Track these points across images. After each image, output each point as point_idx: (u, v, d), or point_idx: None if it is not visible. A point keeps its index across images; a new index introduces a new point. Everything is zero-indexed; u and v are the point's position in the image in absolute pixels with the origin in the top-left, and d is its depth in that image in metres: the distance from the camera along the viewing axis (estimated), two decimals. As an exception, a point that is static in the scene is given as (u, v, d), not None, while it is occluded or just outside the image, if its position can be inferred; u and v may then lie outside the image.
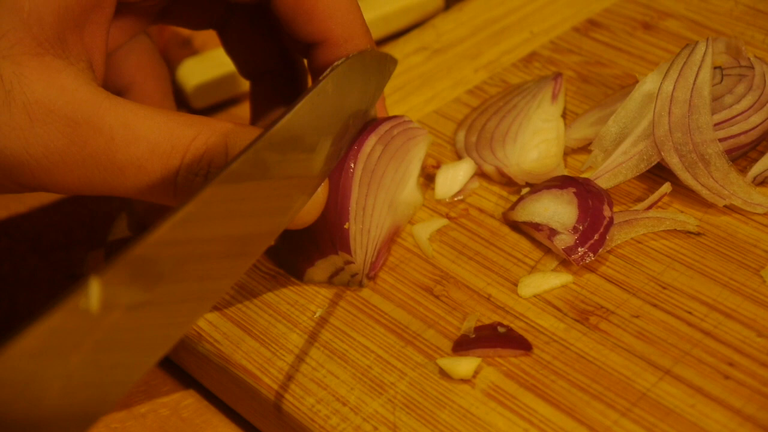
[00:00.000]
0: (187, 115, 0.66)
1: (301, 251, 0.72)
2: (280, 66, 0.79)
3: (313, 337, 0.70)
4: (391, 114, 0.77)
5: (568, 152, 0.82)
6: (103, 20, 0.69)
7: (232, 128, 0.66)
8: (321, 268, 0.73)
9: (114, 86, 0.78)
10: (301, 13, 0.72)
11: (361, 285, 0.73)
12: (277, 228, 0.64)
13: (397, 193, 0.76)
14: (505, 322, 0.69)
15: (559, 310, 0.70)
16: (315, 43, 0.73)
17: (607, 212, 0.73)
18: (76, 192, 0.65)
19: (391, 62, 0.76)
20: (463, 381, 0.66)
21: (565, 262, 0.73)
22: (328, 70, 0.69)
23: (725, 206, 0.75)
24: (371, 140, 0.72)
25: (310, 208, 0.68)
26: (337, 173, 0.71)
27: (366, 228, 0.72)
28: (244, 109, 0.83)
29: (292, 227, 0.68)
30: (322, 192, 0.68)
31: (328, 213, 0.70)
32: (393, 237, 0.76)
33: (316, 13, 0.72)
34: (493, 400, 0.65)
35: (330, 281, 0.74)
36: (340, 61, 0.69)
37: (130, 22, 0.75)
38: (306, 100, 0.64)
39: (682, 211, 0.75)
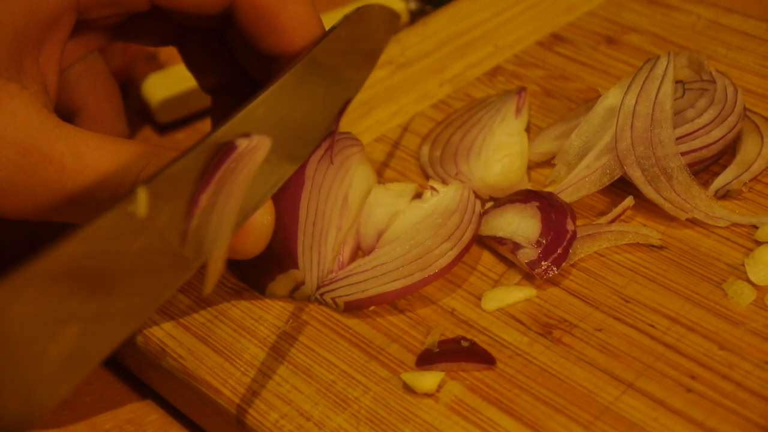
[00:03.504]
0: (138, 143, 0.66)
1: (262, 265, 0.72)
2: (241, 81, 0.79)
3: (277, 353, 0.70)
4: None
5: (532, 166, 0.83)
6: (59, 39, 0.69)
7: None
8: (281, 283, 0.72)
9: (66, 107, 0.78)
10: (263, 25, 0.72)
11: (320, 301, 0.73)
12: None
13: (349, 209, 0.76)
14: (469, 336, 0.69)
15: (522, 323, 0.70)
16: (278, 55, 0.73)
17: (570, 226, 0.73)
18: (24, 218, 0.65)
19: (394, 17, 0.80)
20: (427, 395, 0.66)
21: (528, 275, 0.73)
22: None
23: (687, 219, 0.75)
24: (312, 163, 0.73)
25: (257, 238, 0.68)
26: (285, 196, 0.71)
27: (315, 245, 0.72)
28: (209, 124, 0.83)
29: (239, 257, 0.69)
30: (268, 221, 0.68)
31: (284, 230, 0.70)
32: (355, 251, 0.76)
33: (279, 25, 0.72)
34: (456, 414, 0.65)
35: (291, 296, 0.74)
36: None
37: (85, 39, 0.74)
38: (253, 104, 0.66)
39: (644, 225, 0.76)
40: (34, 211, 0.65)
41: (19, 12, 0.65)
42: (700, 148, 0.77)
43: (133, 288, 0.56)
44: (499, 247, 0.75)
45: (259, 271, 0.73)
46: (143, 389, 0.75)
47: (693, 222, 0.75)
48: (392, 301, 0.72)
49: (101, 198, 0.64)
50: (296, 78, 0.69)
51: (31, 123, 0.63)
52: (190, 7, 0.72)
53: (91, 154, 0.64)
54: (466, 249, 0.73)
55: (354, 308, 0.72)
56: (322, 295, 0.72)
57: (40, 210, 0.65)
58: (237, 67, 0.79)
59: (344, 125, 0.85)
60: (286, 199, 0.71)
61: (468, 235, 0.73)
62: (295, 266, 0.71)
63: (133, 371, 0.75)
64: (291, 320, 0.72)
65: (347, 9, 1.08)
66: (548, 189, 0.79)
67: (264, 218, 0.68)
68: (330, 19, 0.76)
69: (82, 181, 0.64)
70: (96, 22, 0.72)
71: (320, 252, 0.73)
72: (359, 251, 0.77)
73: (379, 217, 0.76)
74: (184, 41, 0.79)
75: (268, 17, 0.72)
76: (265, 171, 0.66)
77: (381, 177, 0.83)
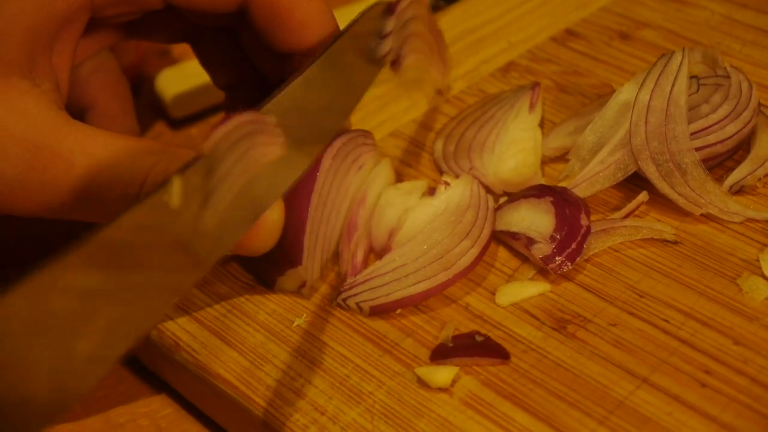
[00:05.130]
0: (148, 142, 0.66)
1: (272, 260, 0.72)
2: (255, 77, 0.79)
3: (291, 347, 0.70)
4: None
5: (546, 161, 0.83)
6: (72, 37, 0.69)
7: (192, 156, 0.66)
8: (291, 278, 0.72)
9: (77, 105, 0.78)
10: (278, 22, 0.72)
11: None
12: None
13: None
14: (483, 331, 0.69)
15: (536, 318, 0.70)
16: (292, 52, 0.73)
17: (584, 221, 0.73)
18: (33, 215, 0.65)
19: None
20: (441, 390, 0.66)
21: (542, 270, 0.73)
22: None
23: (702, 215, 0.75)
24: (326, 160, 0.73)
25: (266, 235, 0.68)
26: (297, 192, 0.71)
27: (320, 243, 0.73)
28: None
29: (248, 253, 0.69)
30: (278, 218, 0.68)
31: (294, 226, 0.71)
32: (368, 253, 0.76)
33: (293, 22, 0.72)
34: (470, 408, 0.65)
35: (299, 291, 0.74)
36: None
37: (98, 37, 0.74)
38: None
39: (659, 220, 0.76)
40: (43, 209, 0.65)
41: (32, 9, 0.65)
42: (715, 144, 0.77)
43: (155, 284, 0.56)
44: (514, 243, 0.75)
45: (268, 266, 0.73)
46: (157, 383, 0.75)
47: (707, 217, 0.75)
48: (418, 303, 0.72)
49: (111, 195, 0.64)
50: (313, 75, 0.69)
51: (41, 120, 0.63)
52: (204, 6, 0.72)
53: (101, 152, 0.64)
54: (486, 246, 0.73)
55: (380, 312, 0.71)
56: (345, 300, 0.72)
57: (49, 207, 0.65)
58: (251, 64, 0.79)
59: (358, 121, 0.85)
60: (298, 195, 0.71)
61: (486, 231, 0.73)
62: (300, 263, 0.71)
63: (147, 365, 0.76)
64: (305, 314, 0.72)
65: (359, 5, 1.08)
66: (562, 184, 0.79)
67: (274, 215, 0.68)
68: (342, 16, 0.76)
69: (91, 178, 0.64)
70: (109, 20, 0.72)
71: (323, 250, 0.73)
72: (371, 253, 0.77)
73: (389, 216, 0.76)
74: (198, 39, 0.79)
75: (283, 15, 0.72)
76: (277, 167, 0.66)
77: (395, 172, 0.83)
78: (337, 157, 0.74)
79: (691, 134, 0.76)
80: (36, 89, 0.64)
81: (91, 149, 0.64)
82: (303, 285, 0.73)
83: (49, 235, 0.85)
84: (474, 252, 0.72)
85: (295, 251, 0.71)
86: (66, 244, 0.50)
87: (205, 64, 0.81)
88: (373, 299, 0.71)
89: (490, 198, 0.76)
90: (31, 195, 0.64)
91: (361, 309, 0.71)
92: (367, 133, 0.77)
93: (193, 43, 0.80)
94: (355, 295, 0.72)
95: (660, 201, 0.76)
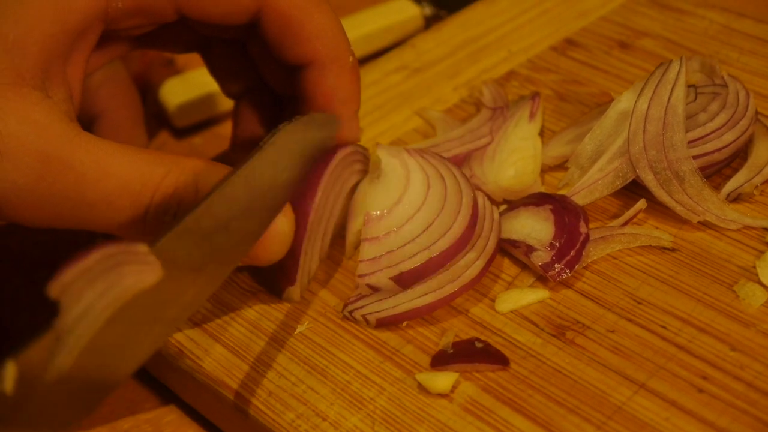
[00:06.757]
0: (158, 153, 0.66)
1: (281, 270, 0.73)
2: (264, 87, 0.80)
3: (293, 353, 0.71)
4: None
5: (545, 169, 0.83)
6: (86, 48, 0.69)
7: (202, 166, 0.66)
8: (300, 288, 0.73)
9: (86, 114, 0.78)
10: (288, 35, 0.73)
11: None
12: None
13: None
14: (483, 338, 0.70)
15: (535, 325, 0.70)
16: (302, 64, 0.74)
17: (583, 229, 0.74)
18: (45, 226, 0.66)
19: (334, 123, 0.76)
20: (441, 396, 0.66)
21: (542, 278, 0.73)
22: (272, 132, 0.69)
23: (699, 222, 0.75)
24: (327, 174, 0.73)
25: (277, 246, 0.69)
26: (301, 205, 0.72)
27: (308, 258, 0.74)
28: (226, 128, 0.84)
29: (259, 264, 0.70)
30: (289, 229, 0.69)
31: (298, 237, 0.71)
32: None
33: (304, 35, 0.73)
34: (470, 414, 0.65)
35: (303, 299, 0.74)
36: (284, 124, 0.70)
37: (110, 48, 0.75)
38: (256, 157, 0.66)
39: (657, 227, 0.76)
40: (53, 219, 0.65)
41: (47, 21, 0.66)
42: (712, 152, 0.77)
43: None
44: (513, 250, 0.75)
45: (277, 275, 0.74)
46: (161, 390, 0.76)
47: (705, 225, 0.76)
48: (424, 315, 0.72)
49: (121, 207, 0.65)
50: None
51: (52, 131, 0.64)
52: (217, 18, 0.73)
53: (111, 163, 0.64)
54: (492, 257, 0.73)
55: (386, 324, 0.72)
56: (351, 312, 0.73)
57: (59, 218, 0.65)
58: (259, 74, 0.80)
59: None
60: (301, 208, 0.72)
61: (492, 243, 0.73)
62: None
63: (152, 372, 0.76)
64: (307, 322, 0.73)
65: (360, 15, 1.09)
66: (561, 192, 0.79)
67: (284, 227, 0.68)
68: (347, 24, 0.77)
69: (101, 189, 0.64)
70: (122, 32, 0.73)
71: (310, 264, 0.74)
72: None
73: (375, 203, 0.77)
74: (208, 49, 0.80)
75: (294, 27, 0.73)
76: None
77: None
78: (333, 174, 0.74)
79: (689, 142, 0.77)
80: (48, 100, 0.65)
81: (101, 160, 0.64)
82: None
83: (54, 242, 0.86)
84: (480, 264, 0.72)
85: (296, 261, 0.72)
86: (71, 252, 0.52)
87: (215, 73, 0.82)
88: (380, 311, 0.71)
89: (496, 210, 0.76)
90: (41, 205, 0.64)
91: (367, 321, 0.72)
92: (359, 150, 0.78)
93: (204, 54, 0.81)
94: (362, 307, 0.72)
95: (658, 209, 0.77)
